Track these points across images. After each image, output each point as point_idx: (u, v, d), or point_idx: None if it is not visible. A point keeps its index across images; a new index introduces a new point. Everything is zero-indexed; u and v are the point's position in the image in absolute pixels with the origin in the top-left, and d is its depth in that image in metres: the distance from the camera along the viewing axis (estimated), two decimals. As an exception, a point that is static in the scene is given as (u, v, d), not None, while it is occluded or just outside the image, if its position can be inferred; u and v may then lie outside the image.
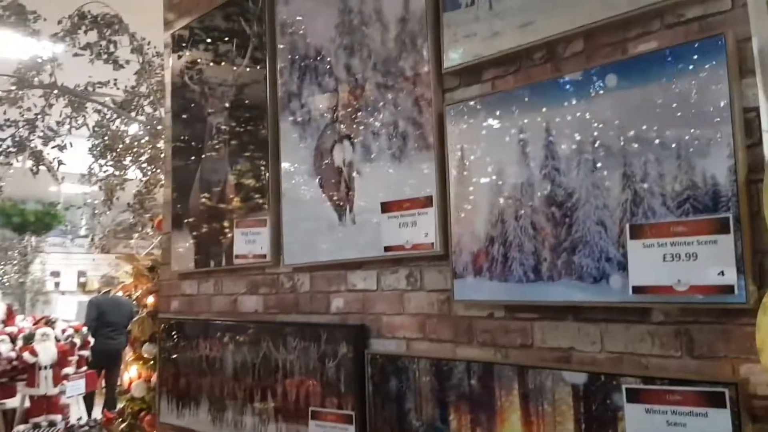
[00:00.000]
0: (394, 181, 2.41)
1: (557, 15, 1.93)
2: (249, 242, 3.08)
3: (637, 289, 1.72)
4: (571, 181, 1.88)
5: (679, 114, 1.67)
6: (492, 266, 2.07)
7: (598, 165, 1.83)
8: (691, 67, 1.65)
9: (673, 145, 1.68)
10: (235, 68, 3.22)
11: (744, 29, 1.59)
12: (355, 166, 2.56)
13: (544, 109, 1.95)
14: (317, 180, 2.74)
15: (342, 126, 2.63)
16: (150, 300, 4.51)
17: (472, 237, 2.13)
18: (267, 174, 2.99)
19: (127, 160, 5.17)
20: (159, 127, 4.99)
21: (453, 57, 2.21)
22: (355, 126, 2.57)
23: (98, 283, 9.53)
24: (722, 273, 1.57)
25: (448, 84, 2.29)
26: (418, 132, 2.33)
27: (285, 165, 2.90)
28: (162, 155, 4.96)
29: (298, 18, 2.86)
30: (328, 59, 2.70)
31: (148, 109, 5.19)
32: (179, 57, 3.66)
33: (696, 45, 1.64)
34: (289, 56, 2.89)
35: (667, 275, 1.67)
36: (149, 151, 5.04)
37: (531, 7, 2.00)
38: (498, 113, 2.07)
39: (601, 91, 1.83)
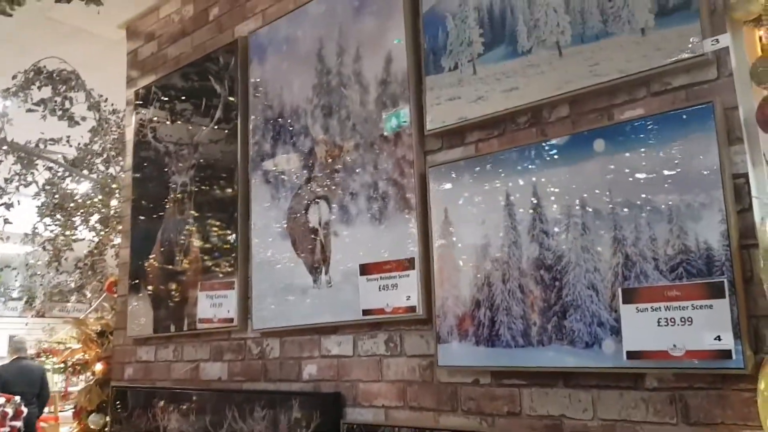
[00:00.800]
0: (374, 243, 2.36)
1: (542, 81, 1.97)
2: (214, 305, 2.95)
3: (631, 354, 1.70)
4: (561, 243, 1.88)
5: (669, 179, 1.70)
6: (478, 330, 2.03)
7: (588, 228, 1.83)
8: (680, 133, 1.69)
9: (664, 209, 1.70)
10: (203, 127, 3.17)
11: (730, 98, 1.65)
12: (332, 227, 2.51)
13: (531, 172, 1.96)
14: (290, 241, 2.66)
15: (318, 187, 2.59)
16: (98, 367, 4.27)
17: (456, 300, 2.09)
18: (235, 235, 2.90)
19: (77, 220, 4.96)
20: (113, 186, 4.84)
21: (435, 119, 2.22)
22: (332, 187, 2.53)
23: (7, 350, 8.62)
24: (719, 338, 1.57)
25: (430, 146, 2.29)
26: (399, 193, 2.30)
27: (255, 225, 2.82)
28: (117, 214, 4.80)
29: (272, 78, 2.85)
30: (304, 119, 2.68)
31: (101, 167, 5.03)
32: (142, 115, 3.58)
33: (686, 113, 1.68)
34: (262, 115, 2.86)
35: (662, 340, 1.65)
36: (102, 210, 4.86)
37: (515, 73, 2.03)
38: (483, 175, 2.07)
39: (589, 156, 1.85)
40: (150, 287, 3.32)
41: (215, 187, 3.08)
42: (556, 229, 1.89)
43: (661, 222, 1.70)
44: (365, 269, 2.37)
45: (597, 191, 1.82)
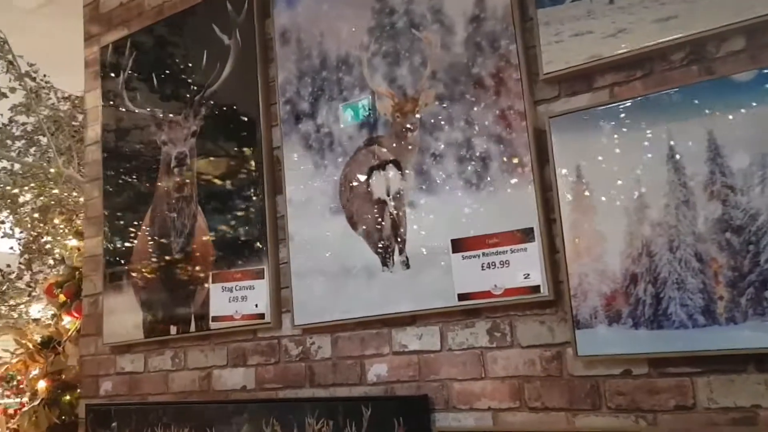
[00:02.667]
0: (470, 213, 1.95)
1: (711, 7, 1.63)
2: (235, 300, 2.42)
3: None
4: (754, 200, 1.55)
5: None
6: (636, 310, 1.67)
7: (794, 179, 1.51)
8: None
9: None
10: (205, 87, 2.61)
11: None
12: (407, 196, 2.07)
13: (702, 117, 1.62)
14: (344, 216, 2.19)
15: (383, 149, 2.14)
16: (41, 385, 3.58)
17: (602, 275, 1.72)
18: (259, 213, 2.39)
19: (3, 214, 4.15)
20: (53, 170, 4.08)
21: (556, 60, 1.84)
22: (404, 148, 2.09)
23: None
24: None
25: (542, 94, 1.91)
26: (506, 151, 1.90)
27: (292, 199, 2.32)
28: (68, 197, 4.06)
29: (307, 23, 2.36)
30: (358, 70, 2.22)
31: (34, 149, 4.24)
32: (111, 77, 2.95)
33: None
34: (296, 68, 2.37)
35: None
36: (41, 198, 4.08)
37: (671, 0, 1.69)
38: (632, 124, 1.71)
39: (791, 93, 1.53)
40: (136, 283, 2.72)
41: (227, 156, 2.54)
42: (744, 184, 1.56)
43: None
44: (460, 245, 1.95)
45: (805, 134, 1.50)
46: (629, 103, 1.73)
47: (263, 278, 2.36)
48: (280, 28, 2.43)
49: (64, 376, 3.65)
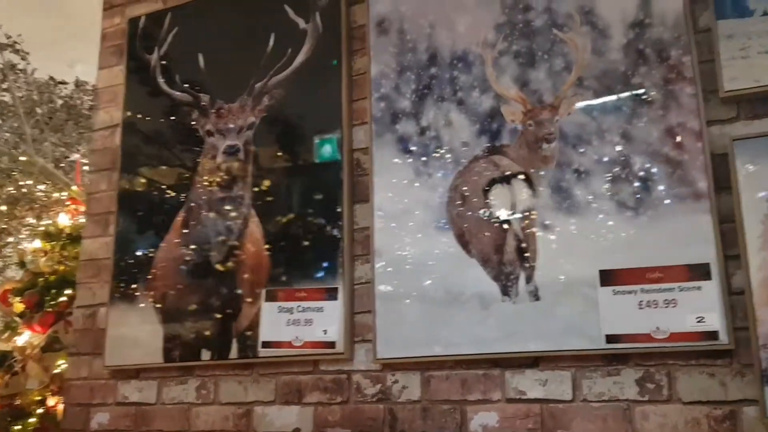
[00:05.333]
0: (624, 242, 1.68)
1: None
2: (296, 323, 2.04)
3: None
4: None
5: None
6: None
7: None
8: None
9: None
10: (272, 73, 2.26)
11: None
12: (540, 216, 1.78)
13: None
14: (453, 233, 1.88)
15: (508, 160, 1.85)
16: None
17: (801, 325, 1.48)
18: (336, 222, 2.04)
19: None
20: (24, 158, 3.50)
21: (740, 78, 1.63)
22: (537, 161, 1.81)
23: None
24: None
25: (718, 114, 1.68)
26: (674, 173, 1.66)
27: (382, 209, 1.99)
28: (73, 188, 3.49)
29: (412, 12, 2.07)
30: (479, 69, 1.94)
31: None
32: (142, 53, 2.54)
33: None
34: (396, 61, 2.06)
35: None
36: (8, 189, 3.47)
37: None
38: (843, 154, 1.51)
39: None
40: (158, 293, 2.27)
41: (294, 154, 2.18)
42: None
43: None
44: (611, 277, 1.67)
45: None
46: (838, 131, 1.53)
47: (336, 299, 1.99)
48: (377, 16, 2.12)
49: (19, 401, 3.07)
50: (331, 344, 1.97)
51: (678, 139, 1.67)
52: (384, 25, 2.11)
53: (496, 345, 1.77)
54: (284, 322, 2.05)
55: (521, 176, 1.83)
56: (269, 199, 2.18)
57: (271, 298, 2.08)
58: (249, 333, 2.10)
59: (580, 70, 1.81)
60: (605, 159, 1.74)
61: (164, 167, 2.40)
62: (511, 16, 1.93)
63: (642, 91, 1.73)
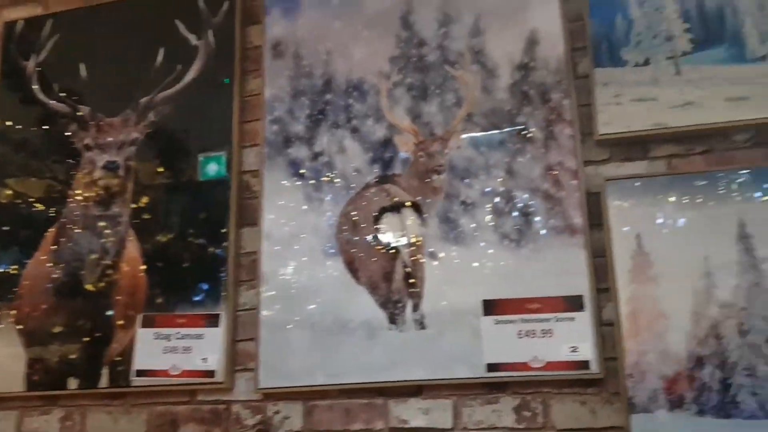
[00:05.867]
0: (507, 272, 1.74)
1: (785, 94, 1.65)
2: (173, 350, 1.94)
3: None
4: (830, 290, 1.53)
5: None
6: (701, 396, 1.55)
7: None
8: None
9: None
10: (159, 89, 2.18)
11: None
12: (427, 245, 1.82)
13: (776, 200, 1.60)
14: (342, 260, 1.87)
15: (399, 189, 1.88)
16: None
17: (663, 356, 1.59)
18: (219, 245, 1.98)
19: None
20: None
21: (614, 123, 1.75)
22: (427, 191, 1.85)
23: None
24: None
25: (593, 155, 1.79)
26: (553, 209, 1.75)
27: (270, 234, 1.95)
28: None
29: (311, 37, 2.08)
30: (374, 98, 1.97)
31: None
32: (16, 58, 2.38)
33: None
34: (291, 85, 2.05)
35: None
36: None
37: (743, 81, 1.69)
38: (699, 199, 1.65)
39: None
40: (21, 314, 2.10)
41: (178, 171, 2.10)
42: (820, 272, 1.54)
43: None
44: (493, 307, 1.73)
45: None
46: (695, 177, 1.67)
47: (218, 326, 1.92)
48: (273, 38, 2.11)
49: None
50: (211, 373, 1.89)
51: (557, 176, 1.76)
52: (280, 48, 2.09)
53: (381, 374, 1.76)
54: (161, 350, 1.94)
55: (411, 205, 1.85)
56: (148, 217, 2.08)
57: (147, 323, 1.98)
58: (121, 360, 1.97)
59: (469, 107, 1.88)
60: (490, 192, 1.80)
61: (34, 179, 2.24)
62: (406, 49, 1.97)
63: (526, 129, 1.82)
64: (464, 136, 1.86)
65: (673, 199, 1.67)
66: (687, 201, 1.66)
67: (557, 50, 1.84)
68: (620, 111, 1.75)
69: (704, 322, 1.58)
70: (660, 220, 1.66)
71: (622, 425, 1.59)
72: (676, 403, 1.56)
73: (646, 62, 1.77)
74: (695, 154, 1.73)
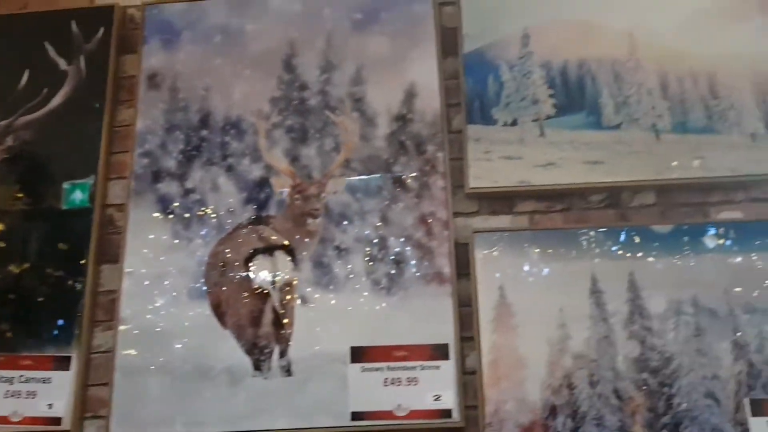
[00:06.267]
0: (376, 320, 1.75)
1: (635, 161, 1.80)
2: (17, 395, 1.79)
3: (769, 474, 1.54)
4: (668, 344, 1.66)
5: (792, 287, 1.67)
6: (555, 445, 1.61)
7: (703, 329, 1.66)
8: (802, 243, 1.69)
9: (790, 317, 1.65)
10: (20, 114, 2.04)
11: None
12: (299, 290, 1.80)
13: (624, 259, 1.73)
14: (208, 303, 1.81)
15: (274, 232, 1.85)
16: None
17: (521, 405, 1.65)
18: (80, 278, 1.86)
19: None
20: None
21: (483, 177, 1.83)
22: (301, 235, 1.84)
23: None
24: None
25: (463, 207, 1.86)
26: (424, 258, 1.79)
27: (132, 272, 1.85)
28: None
29: (188, 72, 2.03)
30: (252, 138, 1.94)
31: None
32: None
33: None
34: (164, 118, 1.99)
35: (802, 457, 1.54)
36: None
37: (599, 146, 1.83)
38: (559, 253, 1.75)
39: (701, 250, 1.72)
40: None
41: (38, 197, 1.97)
42: (661, 327, 1.67)
43: (787, 329, 1.64)
44: (361, 354, 1.72)
45: (711, 289, 1.68)
46: (555, 232, 1.77)
47: (69, 369, 1.79)
48: (150, 69, 2.04)
49: None
50: (57, 420, 1.75)
51: (429, 226, 1.81)
52: (156, 80, 2.03)
53: (243, 423, 1.70)
54: (2, 394, 1.78)
55: (284, 248, 1.83)
56: (2, 245, 1.92)
57: (-13, 365, 1.80)
58: (-49, 406, 1.78)
59: (348, 152, 1.89)
60: (364, 238, 1.81)
61: None
62: (288, 92, 1.97)
63: (401, 178, 1.85)
64: (342, 181, 1.87)
65: (534, 252, 1.76)
66: (547, 255, 1.75)
67: (434, 105, 1.91)
68: (489, 167, 1.83)
69: (559, 372, 1.66)
70: (522, 272, 1.74)
71: (477, 473, 1.62)
72: (531, 452, 1.61)
73: (514, 122, 1.87)
74: (555, 212, 1.83)
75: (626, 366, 1.65)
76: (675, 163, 1.79)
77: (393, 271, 1.78)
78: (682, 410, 1.60)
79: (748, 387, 1.61)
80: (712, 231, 1.73)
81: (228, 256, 1.84)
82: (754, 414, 1.58)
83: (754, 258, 1.70)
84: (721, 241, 1.72)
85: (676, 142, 1.81)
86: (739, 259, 1.70)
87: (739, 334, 1.64)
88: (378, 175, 1.87)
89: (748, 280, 1.68)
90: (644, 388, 1.63)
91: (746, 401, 1.59)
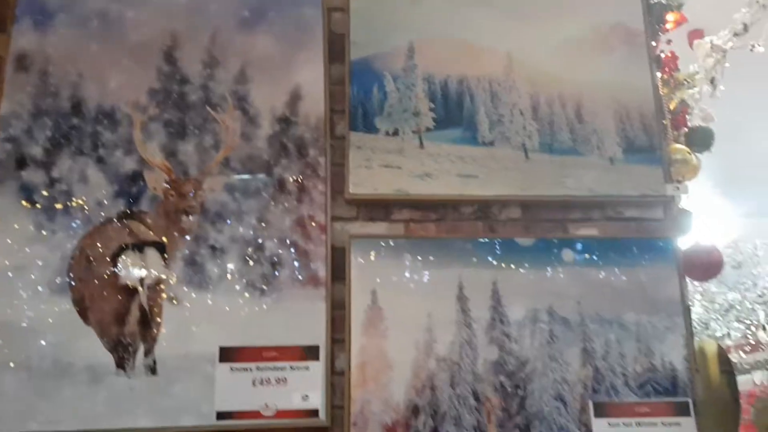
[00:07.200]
0: (248, 321, 1.75)
1: (506, 177, 1.91)
2: None
3: (606, 471, 1.68)
4: (524, 349, 1.77)
5: (635, 301, 1.82)
6: (416, 443, 1.68)
7: (556, 336, 1.78)
8: (645, 260, 1.86)
9: (632, 328, 1.80)
10: None
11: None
12: (169, 288, 1.76)
13: (490, 268, 1.82)
14: (70, 298, 1.74)
15: (142, 227, 1.81)
16: None
17: (385, 405, 1.70)
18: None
19: None
20: None
21: (363, 184, 1.87)
22: (174, 232, 1.80)
23: None
24: (693, 454, 1.70)
25: (342, 212, 1.89)
26: (300, 261, 1.80)
27: (-12, 265, 1.75)
28: None
29: (62, 56, 1.93)
30: (126, 130, 1.88)
31: None
32: None
33: (649, 243, 1.87)
34: (32, 102, 1.89)
35: (636, 456, 1.69)
36: None
37: (474, 161, 1.92)
38: (431, 261, 1.82)
39: (558, 263, 1.84)
40: None
41: None
42: (519, 334, 1.78)
43: (629, 339, 1.79)
44: (230, 354, 1.72)
45: (566, 300, 1.81)
46: (428, 241, 1.85)
47: None
48: (19, 50, 1.93)
49: None
50: None
51: (307, 230, 1.83)
52: (25, 63, 1.92)
53: (103, 421, 1.65)
54: None
55: (155, 245, 1.78)
56: None
57: None
58: None
59: (227, 151, 1.88)
60: (241, 239, 1.80)
61: None
62: (167, 84, 1.93)
63: (281, 180, 1.86)
64: (220, 180, 1.85)
65: (407, 259, 1.82)
66: (419, 262, 1.82)
67: (318, 109, 1.93)
68: (369, 174, 1.88)
69: (423, 373, 1.73)
70: (395, 278, 1.80)
71: (341, 473, 1.66)
72: (393, 451, 1.67)
73: (395, 132, 1.93)
74: (430, 221, 1.91)
75: (485, 369, 1.74)
76: (541, 182, 1.90)
77: (268, 273, 1.79)
78: (532, 411, 1.71)
79: (593, 390, 1.74)
80: (570, 246, 1.86)
81: (95, 250, 1.77)
82: (597, 415, 1.72)
83: (604, 272, 1.84)
84: (577, 256, 1.85)
85: (542, 162, 1.93)
86: (592, 272, 1.84)
87: (587, 342, 1.78)
88: (259, 176, 1.86)
89: (598, 292, 1.82)
90: (500, 390, 1.73)
91: (590, 403, 1.72)
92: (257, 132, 1.90)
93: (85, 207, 1.81)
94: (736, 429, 1.86)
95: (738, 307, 5.27)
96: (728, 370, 1.92)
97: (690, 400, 1.75)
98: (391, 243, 1.83)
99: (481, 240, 1.85)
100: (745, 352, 4.82)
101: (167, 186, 1.83)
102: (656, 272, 1.85)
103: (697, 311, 5.49)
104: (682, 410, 1.73)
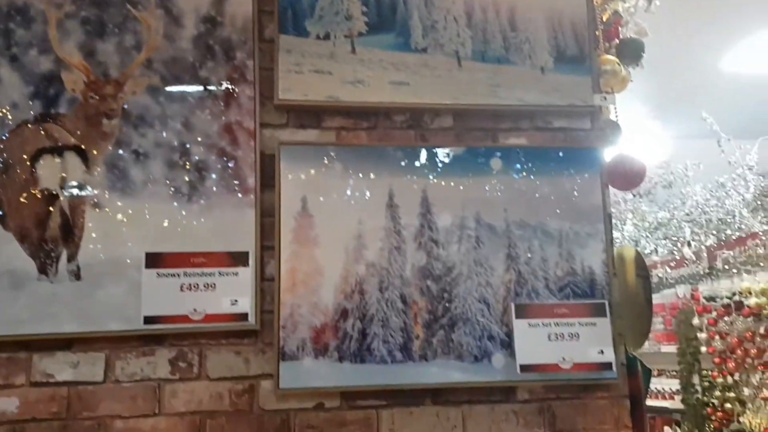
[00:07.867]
0: (174, 226, 1.73)
1: (438, 85, 1.89)
2: None
3: (524, 368, 1.76)
4: (451, 255, 1.81)
5: (560, 208, 1.87)
6: (343, 344, 1.73)
7: (482, 242, 1.82)
8: (571, 169, 1.90)
9: (555, 234, 1.86)
10: None
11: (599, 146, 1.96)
12: (91, 194, 1.72)
13: (420, 176, 1.84)
14: (-13, 204, 1.68)
15: (63, 131, 1.74)
16: None
17: (314, 308, 1.73)
18: None
19: None
20: None
21: (293, 90, 1.83)
22: (96, 136, 1.74)
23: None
24: (602, 352, 1.80)
25: (271, 118, 1.86)
26: (228, 167, 1.77)
27: None
28: None
29: (-34, -56, 1.79)
30: (41, 27, 1.78)
31: None
32: None
33: (578, 152, 1.91)
34: (-65, -5, 1.76)
35: (552, 354, 1.78)
36: None
37: (407, 68, 1.89)
38: (361, 168, 1.82)
39: (487, 172, 1.87)
40: None
41: None
42: (446, 240, 1.81)
43: (551, 245, 1.85)
44: (157, 260, 1.70)
45: (493, 208, 1.85)
46: (360, 149, 1.84)
47: None
48: None
49: None
50: None
51: (234, 135, 1.79)
52: (-75, -51, 1.77)
53: (26, 326, 1.63)
54: None
55: (76, 150, 1.72)
56: None
57: None
58: None
59: (150, 52, 1.80)
60: (166, 144, 1.76)
61: None
62: (85, -21, 1.81)
63: (207, 84, 1.80)
64: (142, 82, 1.78)
65: (338, 167, 1.81)
66: (350, 170, 1.81)
67: (245, 9, 1.85)
68: (300, 79, 1.84)
69: (352, 279, 1.76)
70: (325, 186, 1.79)
71: (272, 372, 1.70)
72: (321, 351, 1.71)
73: (327, 36, 1.88)
74: (361, 129, 1.89)
75: (413, 274, 1.78)
76: (473, 90, 1.90)
77: (195, 179, 1.75)
78: (457, 313, 1.77)
79: (515, 293, 1.81)
80: (499, 155, 1.88)
81: (12, 154, 1.70)
82: (518, 317, 1.79)
83: (531, 181, 1.88)
84: (505, 165, 1.87)
85: (475, 70, 1.92)
86: (519, 181, 1.87)
87: (512, 248, 1.83)
88: (182, 80, 1.79)
89: (524, 200, 1.86)
90: (427, 293, 1.77)
91: (512, 305, 1.79)
92: (181, 32, 1.83)
93: (0, 110, 1.72)
94: (647, 328, 1.97)
95: (667, 225, 5.50)
96: (644, 274, 2.01)
97: (606, 302, 1.83)
98: (322, 150, 1.82)
99: (412, 148, 1.85)
100: (670, 267, 5.07)
101: (86, 88, 1.75)
102: (581, 181, 1.90)
103: (628, 229, 5.71)
104: (598, 311, 1.82)
